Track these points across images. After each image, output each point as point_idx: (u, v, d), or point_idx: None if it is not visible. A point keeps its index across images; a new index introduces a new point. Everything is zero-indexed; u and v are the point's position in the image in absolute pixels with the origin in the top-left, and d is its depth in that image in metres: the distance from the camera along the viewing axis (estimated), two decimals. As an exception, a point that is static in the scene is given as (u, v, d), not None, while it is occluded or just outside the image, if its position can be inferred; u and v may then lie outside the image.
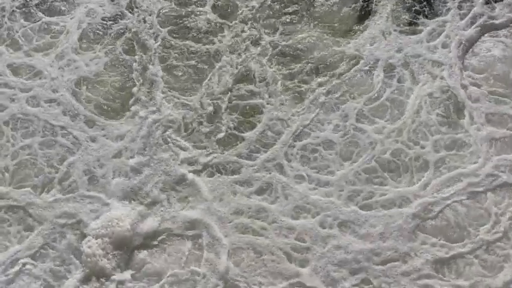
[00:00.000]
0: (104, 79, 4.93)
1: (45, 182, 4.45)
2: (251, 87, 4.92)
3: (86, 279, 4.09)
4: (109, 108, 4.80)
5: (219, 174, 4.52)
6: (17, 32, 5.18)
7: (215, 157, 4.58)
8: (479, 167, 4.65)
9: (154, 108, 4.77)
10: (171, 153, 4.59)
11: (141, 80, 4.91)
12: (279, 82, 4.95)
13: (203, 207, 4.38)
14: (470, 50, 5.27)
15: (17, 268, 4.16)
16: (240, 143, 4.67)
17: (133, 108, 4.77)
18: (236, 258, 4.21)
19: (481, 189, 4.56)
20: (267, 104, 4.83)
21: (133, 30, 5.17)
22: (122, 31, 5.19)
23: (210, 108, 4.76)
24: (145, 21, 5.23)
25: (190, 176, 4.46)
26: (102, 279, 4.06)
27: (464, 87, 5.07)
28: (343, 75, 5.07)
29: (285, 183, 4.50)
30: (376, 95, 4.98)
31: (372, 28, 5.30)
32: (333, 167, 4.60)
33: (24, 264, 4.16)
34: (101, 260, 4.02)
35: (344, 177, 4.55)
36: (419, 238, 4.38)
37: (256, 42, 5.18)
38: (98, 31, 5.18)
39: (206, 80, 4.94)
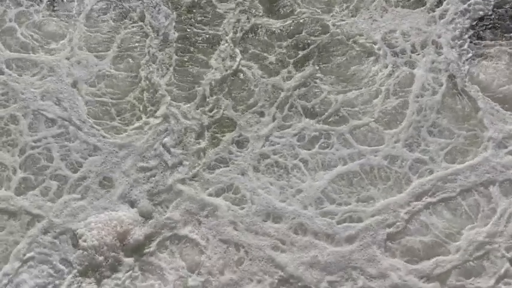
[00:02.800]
0: (110, 78, 4.90)
1: (59, 181, 4.51)
2: (238, 91, 4.88)
3: (83, 274, 4.21)
4: (114, 112, 4.78)
5: (201, 184, 4.55)
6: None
7: (197, 168, 4.57)
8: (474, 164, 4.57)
9: (156, 115, 4.74)
10: (165, 161, 4.60)
11: (147, 84, 4.88)
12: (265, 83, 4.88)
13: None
14: (475, 22, 5.09)
15: (22, 265, 4.29)
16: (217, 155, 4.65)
17: (136, 117, 4.75)
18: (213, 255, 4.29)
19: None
20: (246, 120, 4.75)
21: (143, 17, 5.13)
22: (131, 18, 5.14)
23: (198, 119, 4.73)
24: (154, 7, 5.18)
25: (181, 186, 4.50)
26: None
27: (466, 62, 4.94)
28: (338, 61, 4.97)
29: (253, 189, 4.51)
30: (375, 86, 4.88)
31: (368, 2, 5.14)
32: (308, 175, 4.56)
33: (29, 262, 4.28)
34: (98, 256, 4.13)
35: (322, 185, 4.51)
36: (394, 248, 4.33)
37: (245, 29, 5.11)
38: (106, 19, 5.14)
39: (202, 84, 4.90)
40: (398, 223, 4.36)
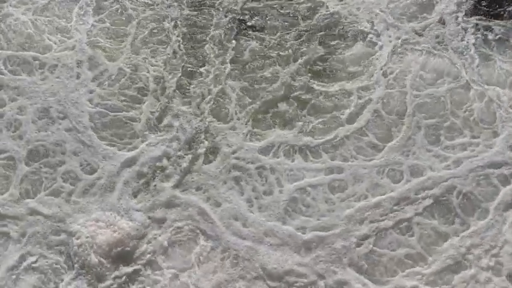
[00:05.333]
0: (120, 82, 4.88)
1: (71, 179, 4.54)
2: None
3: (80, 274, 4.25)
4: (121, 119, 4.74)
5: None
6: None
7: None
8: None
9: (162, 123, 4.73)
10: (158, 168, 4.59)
11: (157, 91, 4.84)
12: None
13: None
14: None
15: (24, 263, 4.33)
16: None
17: (140, 126, 4.70)
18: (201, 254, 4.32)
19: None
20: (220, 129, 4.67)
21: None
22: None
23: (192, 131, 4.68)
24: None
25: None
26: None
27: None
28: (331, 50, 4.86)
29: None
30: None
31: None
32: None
33: (34, 261, 4.32)
34: (93, 256, 4.15)
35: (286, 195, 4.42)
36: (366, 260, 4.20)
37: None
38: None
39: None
40: (372, 234, 4.27)
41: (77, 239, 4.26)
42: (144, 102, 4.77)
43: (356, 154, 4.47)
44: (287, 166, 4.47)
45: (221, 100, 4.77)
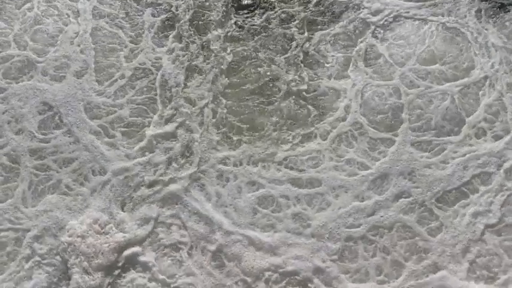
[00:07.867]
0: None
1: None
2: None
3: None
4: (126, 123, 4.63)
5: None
6: None
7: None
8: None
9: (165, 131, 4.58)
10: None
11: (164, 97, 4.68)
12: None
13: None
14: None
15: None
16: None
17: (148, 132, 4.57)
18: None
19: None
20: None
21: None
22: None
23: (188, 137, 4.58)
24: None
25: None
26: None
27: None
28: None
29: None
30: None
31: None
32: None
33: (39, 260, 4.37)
34: (80, 255, 4.18)
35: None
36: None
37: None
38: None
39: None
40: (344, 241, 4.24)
41: (69, 236, 4.27)
42: (152, 109, 4.66)
43: (340, 164, 4.38)
44: (255, 176, 4.41)
45: (202, 107, 4.64)
